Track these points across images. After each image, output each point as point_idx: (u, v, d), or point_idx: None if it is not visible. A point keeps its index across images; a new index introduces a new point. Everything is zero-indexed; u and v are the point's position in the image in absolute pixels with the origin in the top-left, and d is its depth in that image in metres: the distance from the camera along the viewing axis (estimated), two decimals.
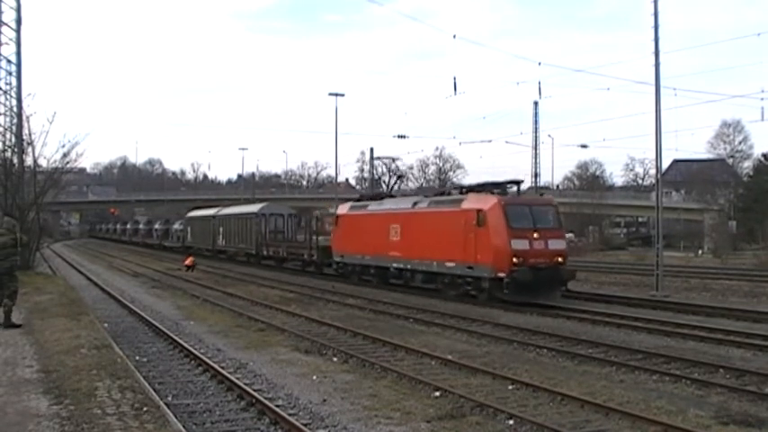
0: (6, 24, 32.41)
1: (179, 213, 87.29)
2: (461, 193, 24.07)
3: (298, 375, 11.42)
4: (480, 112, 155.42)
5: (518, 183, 24.00)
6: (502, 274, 20.37)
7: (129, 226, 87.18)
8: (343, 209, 30.96)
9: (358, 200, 31.38)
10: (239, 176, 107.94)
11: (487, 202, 21.46)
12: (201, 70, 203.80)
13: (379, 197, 29.92)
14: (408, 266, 25.00)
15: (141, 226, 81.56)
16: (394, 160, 50.70)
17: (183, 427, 7.88)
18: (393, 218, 26.19)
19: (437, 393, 10.13)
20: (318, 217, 39.52)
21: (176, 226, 63.79)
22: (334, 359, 12.90)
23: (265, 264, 41.41)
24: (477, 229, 21.12)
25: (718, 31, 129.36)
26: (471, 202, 22.04)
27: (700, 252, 55.50)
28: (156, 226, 73.56)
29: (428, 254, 23.65)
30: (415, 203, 25.57)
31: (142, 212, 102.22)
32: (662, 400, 9.78)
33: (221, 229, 47.85)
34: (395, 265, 25.79)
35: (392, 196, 30.79)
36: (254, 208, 45.00)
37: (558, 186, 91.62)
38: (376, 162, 68.59)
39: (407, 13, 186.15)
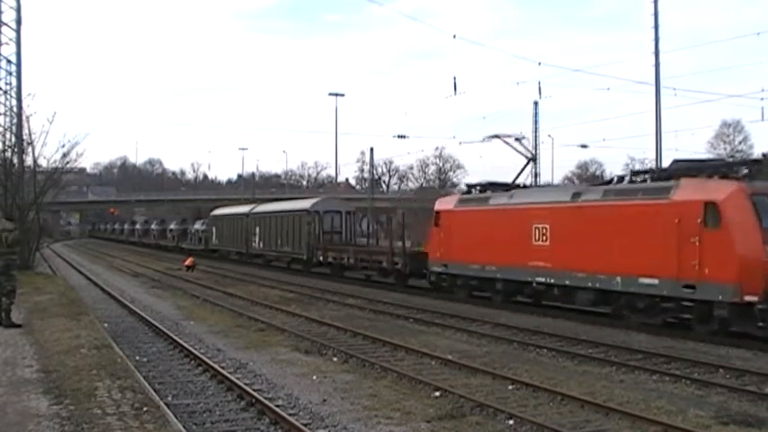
0: (6, 24, 32.45)
1: (178, 213, 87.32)
2: (661, 178, 17.31)
3: (298, 375, 11.42)
4: (480, 112, 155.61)
5: (757, 162, 16.94)
6: (752, 298, 14.06)
7: (138, 226, 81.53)
8: (445, 204, 24.16)
9: (467, 192, 24.26)
10: (239, 176, 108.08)
11: (722, 190, 15.15)
12: (201, 70, 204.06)
13: (505, 187, 22.49)
14: (565, 282, 18.39)
15: (154, 226, 75.09)
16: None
17: (183, 427, 7.88)
18: (538, 215, 19.51)
19: (437, 393, 10.12)
20: (404, 215, 35.32)
21: (197, 226, 57.59)
22: (335, 359, 12.90)
23: (257, 263, 41.28)
24: (704, 230, 14.95)
25: (718, 31, 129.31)
26: (691, 191, 15.62)
27: None
28: (172, 226, 67.04)
29: (605, 265, 17.19)
30: (577, 195, 18.94)
31: (143, 212, 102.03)
32: (662, 400, 9.78)
33: (257, 230, 41.15)
34: (539, 278, 19.24)
35: (523, 186, 23.24)
36: (306, 203, 37.74)
37: None
38: (376, 162, 68.09)
39: (407, 13, 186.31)
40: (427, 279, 24.49)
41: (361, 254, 30.31)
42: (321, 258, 32.77)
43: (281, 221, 37.93)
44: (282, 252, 37.70)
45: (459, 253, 22.27)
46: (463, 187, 33.53)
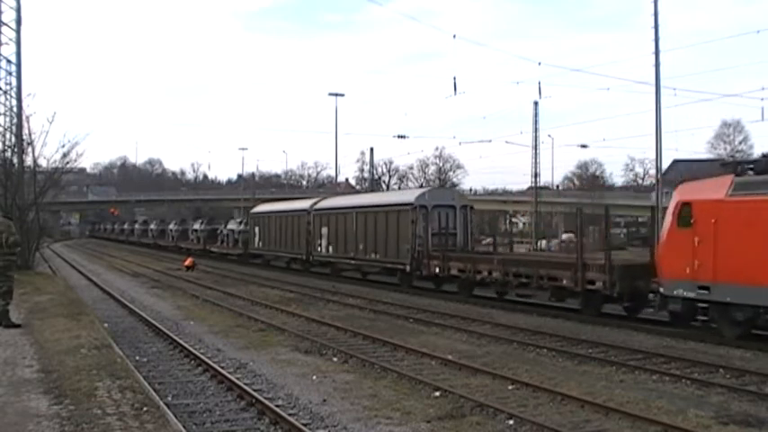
0: (6, 24, 32.37)
1: (178, 213, 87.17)
2: None
3: (298, 375, 11.42)
4: (480, 112, 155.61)
5: None
6: None
7: (153, 226, 72.11)
8: (705, 190, 15.68)
9: (748, 168, 15.02)
10: (239, 176, 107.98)
11: None
12: (201, 70, 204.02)
13: None
14: None
15: (172, 226, 65.28)
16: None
17: (183, 427, 7.88)
18: None
19: (437, 393, 10.12)
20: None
21: (231, 226, 48.83)
22: (334, 359, 12.90)
23: (257, 263, 40.64)
24: None
25: (718, 31, 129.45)
26: None
27: None
28: (196, 226, 57.86)
29: None
30: None
31: (143, 212, 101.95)
32: (662, 400, 9.78)
33: (324, 231, 32.25)
34: None
35: None
36: (407, 195, 28.78)
37: (558, 186, 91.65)
38: (376, 162, 67.55)
39: (407, 13, 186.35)
40: (657, 306, 16.06)
41: (519, 266, 20.70)
42: (434, 270, 24.16)
43: (366, 220, 28.88)
44: (367, 261, 28.79)
45: (739, 268, 14.19)
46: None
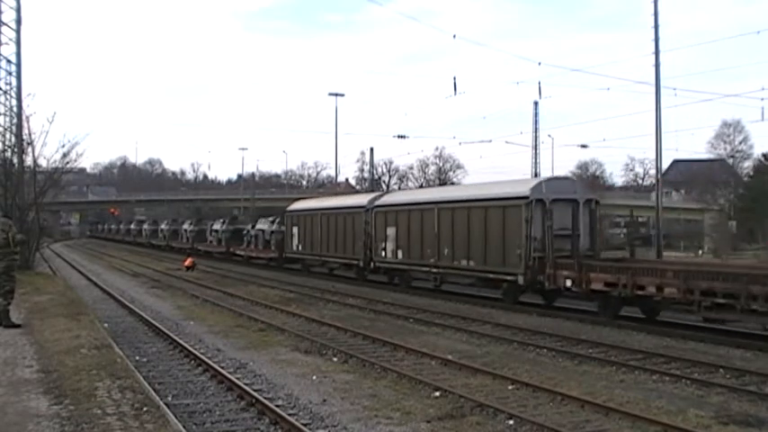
0: (6, 24, 32.39)
1: (178, 213, 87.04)
2: None
3: (298, 375, 11.42)
4: (480, 112, 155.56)
5: None
6: None
7: (164, 226, 65.71)
8: None
9: None
10: (239, 176, 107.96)
11: None
12: (201, 70, 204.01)
13: None
14: None
15: (187, 227, 58.48)
16: None
17: (183, 427, 7.88)
18: None
19: (437, 393, 10.12)
20: None
21: (262, 226, 42.21)
22: (334, 359, 12.90)
23: (258, 263, 40.49)
24: None
25: (718, 31, 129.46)
26: None
27: (700, 252, 55.51)
28: (217, 226, 51.54)
29: None
30: None
31: (143, 212, 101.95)
32: (662, 400, 9.78)
33: (391, 232, 26.51)
34: None
35: None
36: (519, 188, 21.50)
37: None
38: (376, 162, 66.94)
39: (408, 13, 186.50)
40: None
41: (714, 281, 15.09)
42: (562, 282, 18.70)
43: (453, 218, 22.98)
44: (455, 269, 22.89)
45: None
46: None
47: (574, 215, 20.58)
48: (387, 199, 29.21)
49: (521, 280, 19.97)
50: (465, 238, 22.44)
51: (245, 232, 45.13)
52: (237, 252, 45.07)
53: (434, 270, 24.04)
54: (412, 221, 25.48)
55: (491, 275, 21.29)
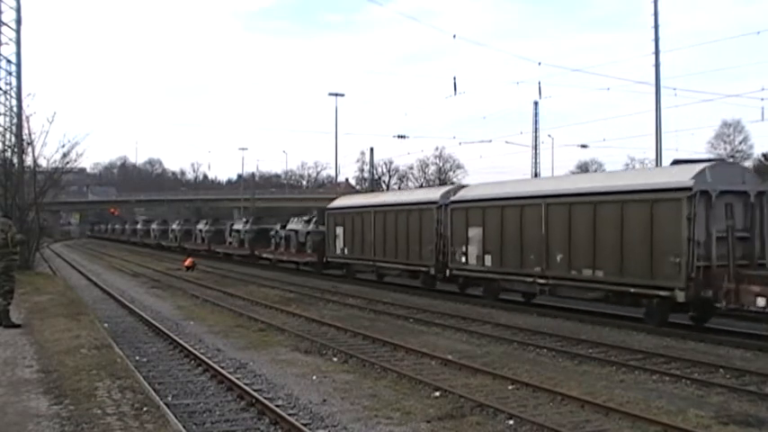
0: (6, 24, 32.40)
1: (178, 213, 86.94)
2: None
3: (298, 375, 11.42)
4: (480, 112, 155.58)
5: None
6: None
7: (175, 226, 61.03)
8: None
9: None
10: (239, 176, 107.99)
11: None
12: (201, 70, 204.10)
13: None
14: None
15: (203, 227, 53.77)
16: None
17: (183, 427, 7.88)
18: None
19: (437, 393, 10.12)
20: None
21: (295, 226, 37.35)
22: (334, 359, 12.90)
23: (262, 263, 40.34)
24: None
25: (718, 31, 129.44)
26: None
27: None
28: (238, 226, 46.96)
29: None
30: None
31: (143, 212, 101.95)
32: (662, 400, 9.78)
33: (475, 233, 21.87)
34: None
35: None
36: (676, 173, 17.10)
37: None
38: (376, 162, 66.32)
39: (408, 13, 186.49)
40: None
41: None
42: (751, 301, 14.65)
43: (571, 216, 18.68)
44: (574, 280, 18.57)
45: None
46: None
47: (748, 212, 16.52)
48: (468, 193, 23.67)
49: (680, 296, 15.65)
50: (589, 241, 17.90)
51: (272, 233, 40.57)
52: (264, 255, 40.52)
53: (541, 281, 19.37)
54: (507, 220, 20.70)
55: (631, 289, 16.87)
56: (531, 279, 19.72)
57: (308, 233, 35.13)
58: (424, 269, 24.86)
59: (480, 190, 23.86)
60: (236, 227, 47.32)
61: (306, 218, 37.21)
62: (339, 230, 30.89)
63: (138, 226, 77.51)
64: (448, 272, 23.30)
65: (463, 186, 26.08)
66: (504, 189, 22.26)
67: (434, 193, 25.59)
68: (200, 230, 53.89)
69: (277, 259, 38.84)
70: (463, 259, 22.46)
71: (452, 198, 23.67)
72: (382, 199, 30.49)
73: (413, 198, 27.59)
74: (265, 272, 36.17)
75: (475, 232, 21.99)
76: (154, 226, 69.05)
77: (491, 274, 21.38)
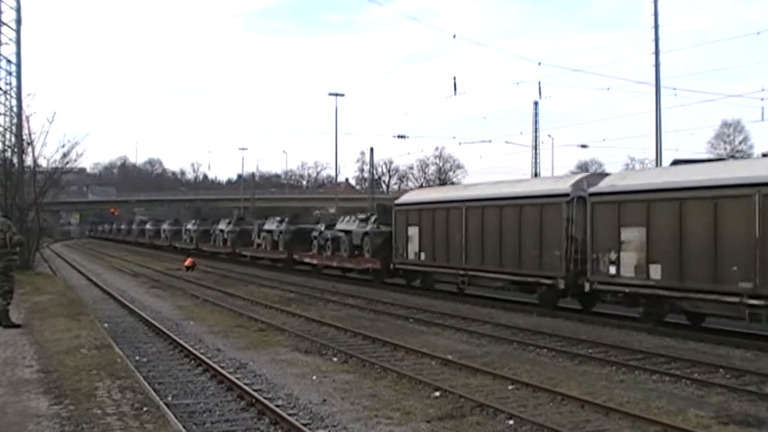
0: (6, 24, 32.41)
1: (178, 213, 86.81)
2: None
3: (298, 375, 11.42)
4: (480, 112, 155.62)
5: None
6: None
7: (191, 226, 55.66)
8: None
9: None
10: (239, 176, 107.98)
11: None
12: (201, 70, 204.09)
13: None
14: None
15: (224, 227, 48.24)
16: None
17: (183, 427, 7.88)
18: None
19: (437, 393, 10.12)
20: None
21: (346, 225, 31.62)
22: (334, 359, 12.90)
23: (262, 263, 40.29)
24: None
25: (718, 31, 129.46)
26: None
27: None
28: (270, 226, 40.55)
29: None
30: None
31: (142, 212, 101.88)
32: (662, 400, 9.78)
33: (633, 235, 16.49)
34: None
35: None
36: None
37: None
38: (376, 162, 65.74)
39: (407, 13, 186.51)
40: None
41: None
42: None
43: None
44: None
45: None
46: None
47: None
48: (618, 182, 17.91)
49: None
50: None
51: (314, 234, 35.01)
52: (306, 260, 35.17)
53: (753, 302, 13.94)
54: (688, 218, 15.32)
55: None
56: (735, 300, 14.32)
57: (365, 234, 29.22)
58: (545, 281, 19.20)
59: (633, 178, 19.00)
60: (267, 227, 41.09)
61: (362, 216, 31.72)
62: (413, 231, 25.43)
63: (148, 226, 71.94)
64: (589, 285, 17.74)
65: (603, 174, 20.03)
66: (672, 177, 16.47)
67: (563, 184, 19.82)
68: (222, 231, 48.20)
69: (323, 264, 33.44)
70: (612, 269, 16.89)
71: (593, 190, 17.97)
72: (479, 192, 23.51)
73: (528, 190, 21.37)
74: (265, 272, 36.15)
75: (632, 234, 16.52)
76: (165, 226, 63.67)
77: (660, 290, 15.92)
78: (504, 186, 22.88)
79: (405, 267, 26.24)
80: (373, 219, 29.71)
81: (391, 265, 26.72)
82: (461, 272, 22.80)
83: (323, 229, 34.52)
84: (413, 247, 25.33)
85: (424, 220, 24.85)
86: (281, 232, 38.57)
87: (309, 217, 43.68)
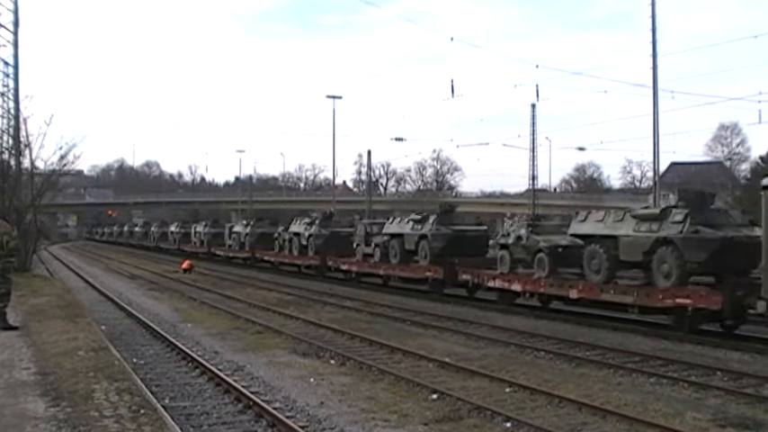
0: (4, 26, 32.30)
1: (175, 215, 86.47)
2: None
3: (295, 378, 11.42)
4: (478, 114, 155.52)
5: None
6: None
7: (200, 228, 51.84)
8: None
9: None
10: (237, 179, 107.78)
11: None
12: (199, 72, 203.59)
13: None
14: None
15: (240, 229, 44.24)
16: None
17: (181, 429, 7.88)
18: None
19: (434, 396, 10.13)
20: None
21: (397, 228, 27.05)
22: (332, 361, 12.89)
23: (261, 266, 40.46)
24: None
25: (716, 34, 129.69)
26: None
27: None
28: (298, 228, 35.98)
29: None
30: None
31: (140, 215, 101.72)
32: (659, 403, 9.79)
33: None
34: None
35: None
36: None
37: (555, 189, 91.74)
38: (373, 164, 65.39)
39: (405, 16, 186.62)
40: None
41: None
42: None
43: None
44: None
45: None
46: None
47: None
48: None
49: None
50: None
51: (356, 239, 30.61)
52: (341, 267, 30.95)
53: None
54: None
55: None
56: None
57: (421, 237, 25.22)
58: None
59: None
60: (294, 229, 36.36)
61: (416, 217, 26.48)
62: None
63: (153, 228, 67.37)
64: None
65: None
66: None
67: None
68: (238, 233, 43.67)
69: (365, 273, 29.13)
70: None
71: None
72: None
73: None
74: (263, 274, 36.12)
75: None
76: (173, 228, 59.12)
77: None
78: None
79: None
80: (432, 219, 25.41)
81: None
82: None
83: (368, 229, 29.97)
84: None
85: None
86: (311, 236, 34.02)
87: (343, 218, 39.03)
